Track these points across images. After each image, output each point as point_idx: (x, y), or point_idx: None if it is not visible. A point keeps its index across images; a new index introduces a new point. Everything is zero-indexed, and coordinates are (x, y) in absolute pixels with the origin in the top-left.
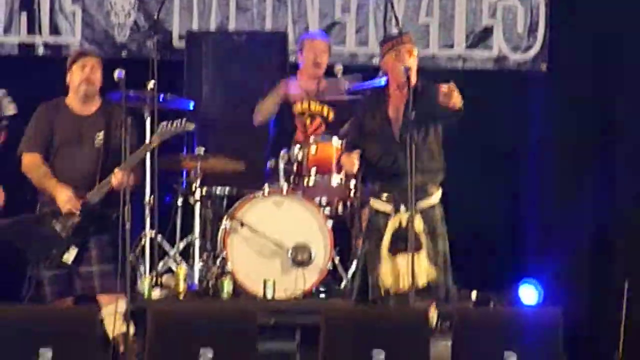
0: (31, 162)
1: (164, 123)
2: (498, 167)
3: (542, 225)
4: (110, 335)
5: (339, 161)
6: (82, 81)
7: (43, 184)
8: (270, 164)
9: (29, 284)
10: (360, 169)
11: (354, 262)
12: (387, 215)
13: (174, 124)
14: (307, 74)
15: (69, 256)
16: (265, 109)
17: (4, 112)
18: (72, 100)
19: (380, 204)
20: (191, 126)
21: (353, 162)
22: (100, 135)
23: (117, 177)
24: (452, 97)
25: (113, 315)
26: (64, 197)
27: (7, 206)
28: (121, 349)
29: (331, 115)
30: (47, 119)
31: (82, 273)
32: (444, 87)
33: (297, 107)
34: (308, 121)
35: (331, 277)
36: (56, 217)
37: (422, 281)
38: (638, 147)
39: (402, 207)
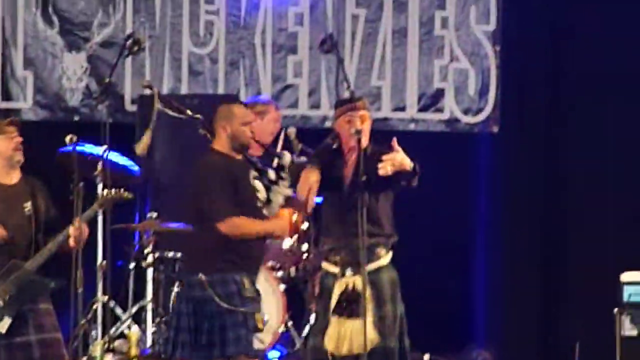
0: None
1: (104, 192)
2: (448, 228)
3: (492, 288)
4: None
5: (292, 225)
6: (15, 149)
7: None
8: None
9: None
10: (312, 232)
11: (307, 325)
12: (335, 277)
13: (113, 193)
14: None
15: (2, 326)
16: None
17: None
18: None
19: (330, 266)
20: (129, 196)
21: (311, 179)
22: (28, 205)
23: (75, 231)
24: (395, 164)
25: None
26: None
27: None
28: None
29: None
30: None
31: (18, 344)
32: (385, 160)
33: None
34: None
35: (284, 340)
36: None
37: (362, 347)
38: (587, 207)
39: (349, 270)
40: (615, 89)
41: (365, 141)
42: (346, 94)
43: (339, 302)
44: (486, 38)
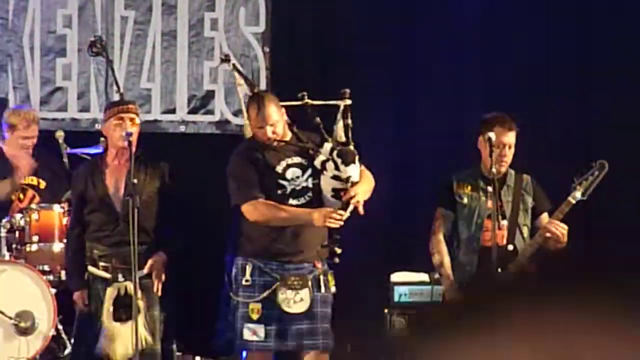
0: None
1: None
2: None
3: None
4: None
5: (61, 228)
6: None
7: None
8: None
9: None
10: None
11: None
12: (105, 281)
13: None
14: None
15: None
16: None
17: None
18: None
19: (99, 272)
20: None
21: None
22: None
23: None
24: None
25: None
26: None
27: None
28: None
29: (42, 184)
30: None
31: None
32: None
33: None
34: (20, 195)
35: (55, 344)
36: None
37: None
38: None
39: (121, 275)
40: (389, 87)
41: (134, 144)
42: (116, 97)
43: (114, 306)
44: (255, 39)
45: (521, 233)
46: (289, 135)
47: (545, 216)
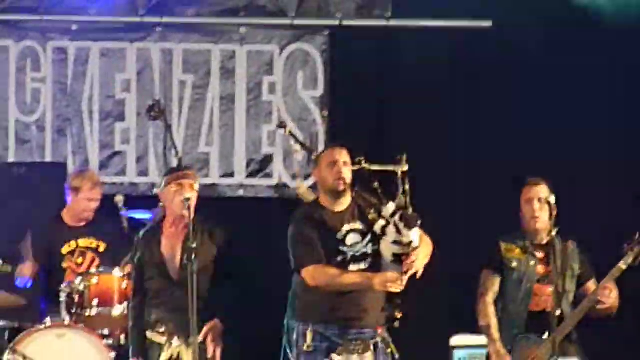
0: None
1: None
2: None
3: None
4: None
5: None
6: None
7: None
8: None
9: None
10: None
11: None
12: (160, 346)
13: None
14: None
15: None
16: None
17: None
18: None
19: (155, 336)
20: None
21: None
22: None
23: None
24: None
25: None
26: None
27: None
28: None
29: (102, 247)
30: None
31: None
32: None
33: (65, 248)
34: (79, 260)
35: None
36: None
37: None
38: None
39: (175, 339)
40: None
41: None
42: (175, 161)
43: None
44: (314, 103)
45: (567, 299)
46: (348, 200)
47: (592, 283)
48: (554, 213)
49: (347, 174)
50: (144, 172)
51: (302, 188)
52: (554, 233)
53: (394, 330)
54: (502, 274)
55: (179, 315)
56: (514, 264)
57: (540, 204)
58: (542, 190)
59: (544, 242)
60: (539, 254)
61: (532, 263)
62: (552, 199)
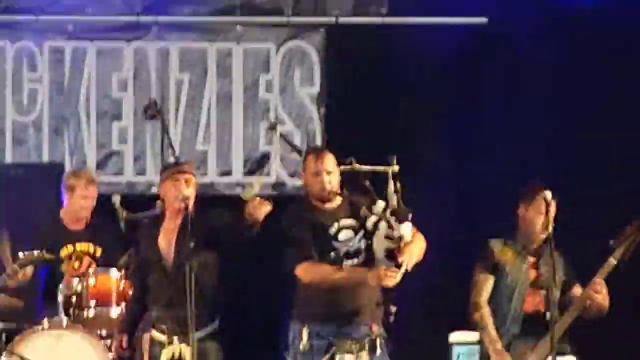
0: None
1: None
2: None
3: None
4: None
5: (119, 292)
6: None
7: None
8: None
9: None
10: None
11: None
12: (162, 345)
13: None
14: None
15: None
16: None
17: None
18: None
19: (157, 334)
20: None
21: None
22: None
23: None
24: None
25: None
26: None
27: None
28: None
29: (99, 252)
30: None
31: None
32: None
33: (63, 251)
34: (76, 264)
35: None
36: None
37: None
38: None
39: (176, 338)
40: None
41: (190, 205)
42: (171, 159)
43: None
44: (310, 101)
45: (555, 302)
46: (339, 199)
47: (577, 287)
48: (552, 219)
49: (333, 181)
50: (141, 172)
51: (255, 188)
52: (543, 236)
53: (393, 327)
54: (495, 275)
55: (175, 312)
56: (507, 267)
57: (545, 209)
58: (548, 196)
59: (537, 246)
60: (531, 258)
61: (524, 266)
62: (554, 205)
